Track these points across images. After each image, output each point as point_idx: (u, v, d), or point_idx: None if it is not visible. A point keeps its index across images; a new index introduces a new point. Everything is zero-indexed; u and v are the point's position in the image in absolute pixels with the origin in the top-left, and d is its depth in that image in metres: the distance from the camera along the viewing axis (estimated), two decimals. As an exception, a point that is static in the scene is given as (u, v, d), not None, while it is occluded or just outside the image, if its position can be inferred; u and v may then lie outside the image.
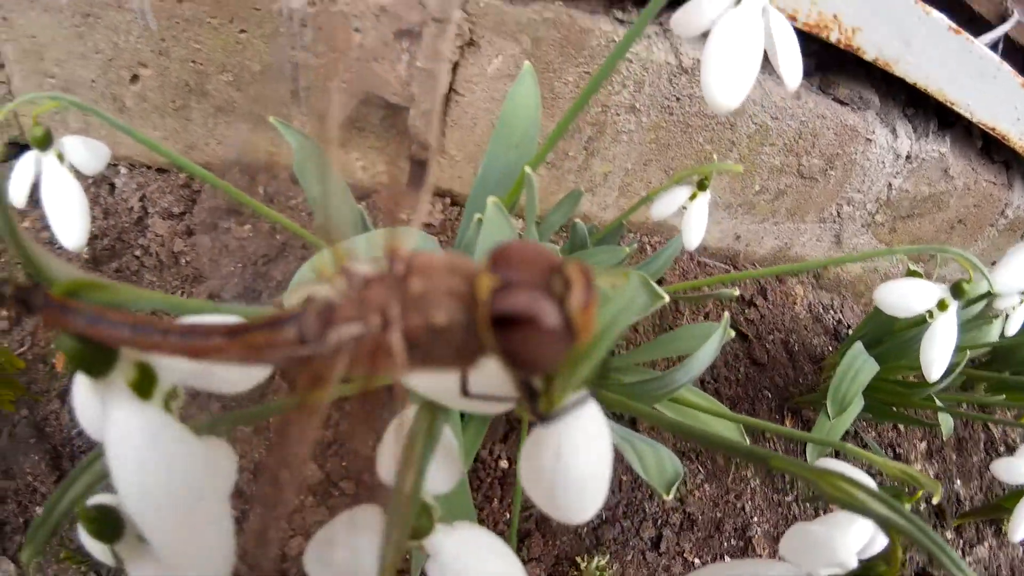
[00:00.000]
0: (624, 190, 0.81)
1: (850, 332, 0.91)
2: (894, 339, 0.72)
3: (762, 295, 0.86)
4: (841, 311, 0.94)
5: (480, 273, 0.14)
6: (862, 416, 0.74)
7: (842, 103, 0.78)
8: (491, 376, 0.17)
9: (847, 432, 0.74)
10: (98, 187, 0.82)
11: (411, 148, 0.80)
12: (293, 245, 0.75)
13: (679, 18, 0.38)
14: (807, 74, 0.75)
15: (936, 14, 0.70)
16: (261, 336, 0.16)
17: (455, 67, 0.71)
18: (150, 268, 0.76)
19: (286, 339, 0.15)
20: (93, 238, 0.80)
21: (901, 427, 0.87)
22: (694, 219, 0.55)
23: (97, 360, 0.18)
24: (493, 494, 0.64)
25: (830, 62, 0.76)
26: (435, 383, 0.20)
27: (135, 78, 0.82)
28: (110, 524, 0.22)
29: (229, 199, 0.80)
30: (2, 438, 0.71)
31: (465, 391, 0.17)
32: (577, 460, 0.20)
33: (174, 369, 0.20)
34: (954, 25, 0.71)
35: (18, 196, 0.45)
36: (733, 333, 0.58)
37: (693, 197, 0.55)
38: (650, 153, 0.78)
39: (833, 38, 0.67)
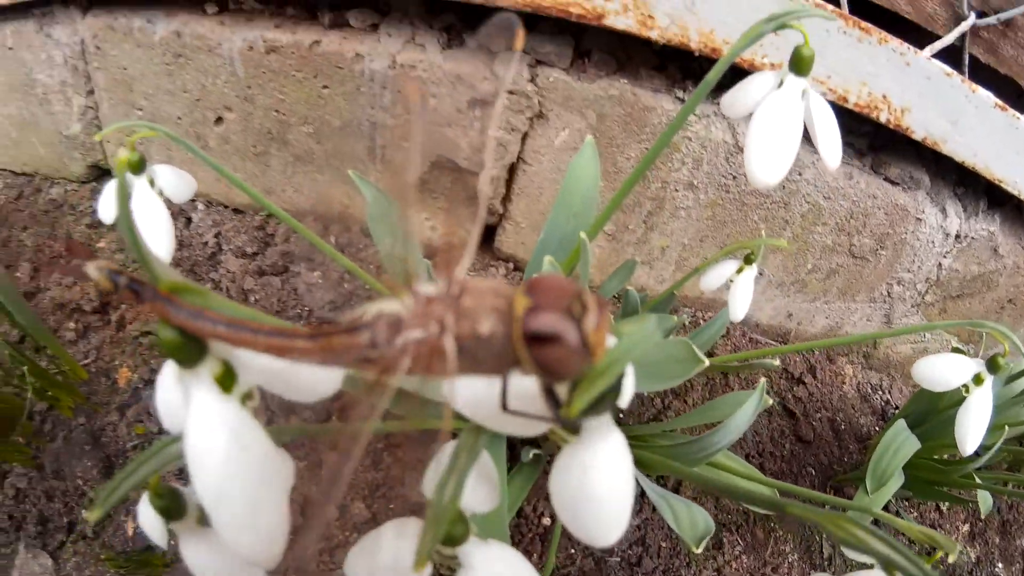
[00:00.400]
0: (681, 264, 0.83)
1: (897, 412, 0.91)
2: (937, 417, 0.72)
3: (811, 373, 0.87)
4: (889, 391, 0.94)
5: (517, 296, 0.18)
6: (903, 495, 0.74)
7: (893, 183, 0.79)
8: (526, 398, 0.21)
9: (887, 510, 0.74)
10: (175, 219, 0.87)
11: (478, 212, 0.83)
12: (359, 295, 0.79)
13: (728, 100, 0.41)
14: (860, 154, 0.77)
15: (982, 91, 0.71)
16: (339, 340, 0.19)
17: (524, 138, 0.75)
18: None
19: (360, 343, 0.19)
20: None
21: (944, 509, 0.86)
22: (740, 293, 0.57)
23: (190, 351, 0.21)
24: (533, 549, 0.66)
25: (882, 142, 0.78)
26: (480, 407, 0.23)
27: (219, 120, 0.88)
28: (175, 504, 0.25)
29: (302, 245, 0.84)
30: (57, 441, 0.76)
31: (504, 406, 0.20)
32: (600, 478, 0.22)
33: (253, 371, 0.23)
34: (1000, 102, 0.72)
35: (107, 214, 0.48)
36: (771, 401, 0.59)
37: (740, 271, 0.57)
38: (707, 229, 0.80)
39: (883, 118, 0.69)
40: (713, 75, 0.40)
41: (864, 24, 0.63)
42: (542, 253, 0.58)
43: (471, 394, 0.23)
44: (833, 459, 0.82)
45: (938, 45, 0.69)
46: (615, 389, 0.21)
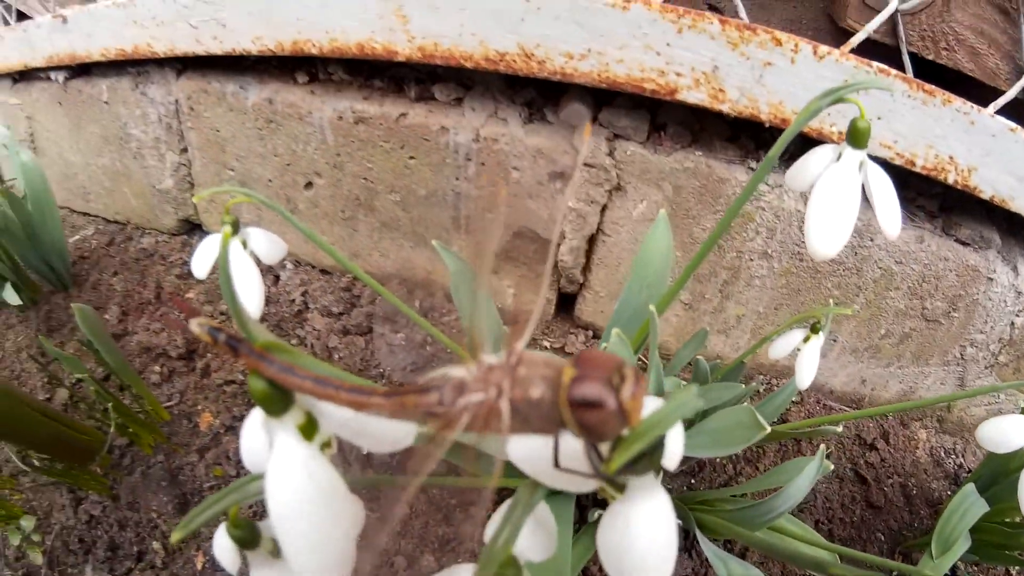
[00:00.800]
0: (756, 333, 0.85)
1: (969, 476, 0.90)
2: (1007, 479, 0.71)
3: (884, 439, 0.87)
4: (963, 455, 0.93)
5: (566, 368, 0.20)
6: (970, 559, 0.73)
7: (964, 243, 0.79)
8: (576, 458, 0.23)
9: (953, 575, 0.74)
10: (264, 276, 0.92)
11: (559, 282, 0.87)
12: (441, 357, 0.82)
13: (791, 174, 0.42)
14: (931, 216, 0.77)
15: (1046, 148, 0.70)
16: (411, 399, 0.22)
17: (603, 210, 0.77)
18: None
19: (429, 401, 0.22)
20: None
21: (1013, 573, 0.85)
22: (807, 361, 0.58)
23: (278, 402, 0.24)
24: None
25: (952, 202, 0.78)
26: (536, 464, 0.25)
27: (309, 184, 0.92)
28: (251, 534, 0.27)
29: (387, 308, 0.88)
30: (135, 475, 0.81)
31: (556, 463, 0.23)
32: (641, 533, 0.24)
33: (333, 422, 0.25)
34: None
35: (199, 269, 0.50)
36: (831, 466, 0.59)
37: (807, 340, 0.59)
38: (781, 297, 0.81)
39: (951, 180, 0.69)
40: (775, 151, 0.42)
41: (928, 87, 0.64)
42: (615, 323, 0.61)
43: (528, 451, 0.25)
44: (903, 525, 0.82)
45: (1001, 101, 0.68)
46: (656, 451, 0.23)
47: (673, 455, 0.26)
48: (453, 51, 0.71)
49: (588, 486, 0.25)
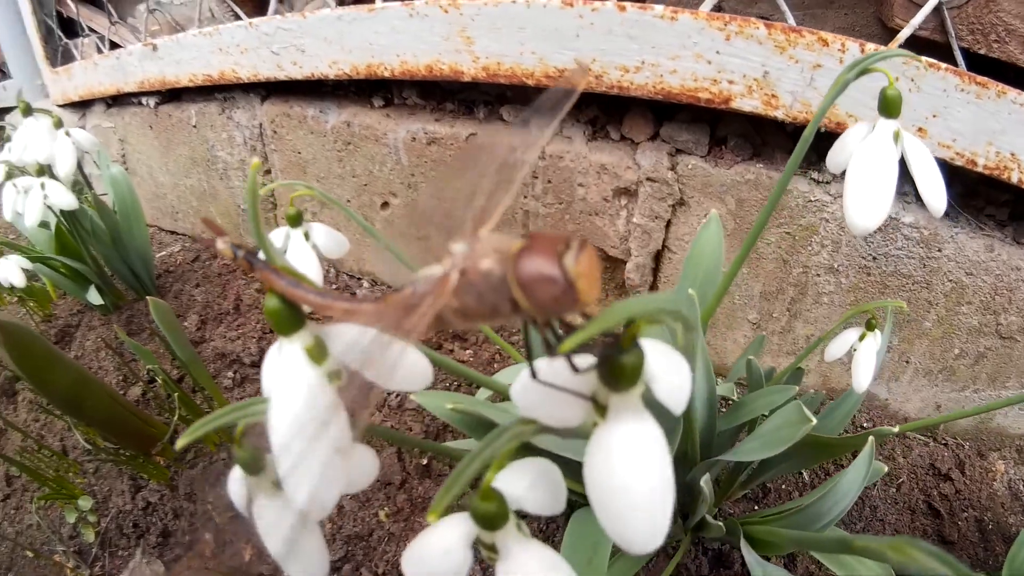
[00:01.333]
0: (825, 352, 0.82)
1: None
2: None
3: (960, 469, 0.83)
4: (1045, 490, 0.89)
5: (515, 244, 0.21)
6: None
7: None
8: (560, 377, 0.23)
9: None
10: (343, 292, 0.96)
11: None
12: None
13: (831, 157, 0.42)
14: (1000, 225, 0.74)
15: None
16: (392, 298, 0.24)
17: (668, 225, 0.78)
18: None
19: (404, 296, 0.23)
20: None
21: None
22: (863, 361, 0.56)
23: (289, 320, 0.26)
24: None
25: (1023, 211, 0.75)
26: (530, 398, 0.25)
27: (385, 204, 0.97)
28: (255, 458, 0.28)
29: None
30: (196, 469, 0.85)
31: (533, 374, 0.24)
32: (623, 463, 0.22)
33: (339, 344, 0.27)
34: None
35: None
36: (884, 468, 0.58)
37: (862, 338, 0.57)
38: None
39: (1014, 179, 0.66)
40: (809, 131, 0.42)
41: (980, 78, 0.61)
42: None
43: (523, 386, 0.25)
44: (977, 561, 0.78)
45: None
46: (632, 358, 0.22)
47: (673, 387, 0.24)
48: (515, 69, 0.74)
49: (574, 413, 0.25)
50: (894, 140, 0.38)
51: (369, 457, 0.30)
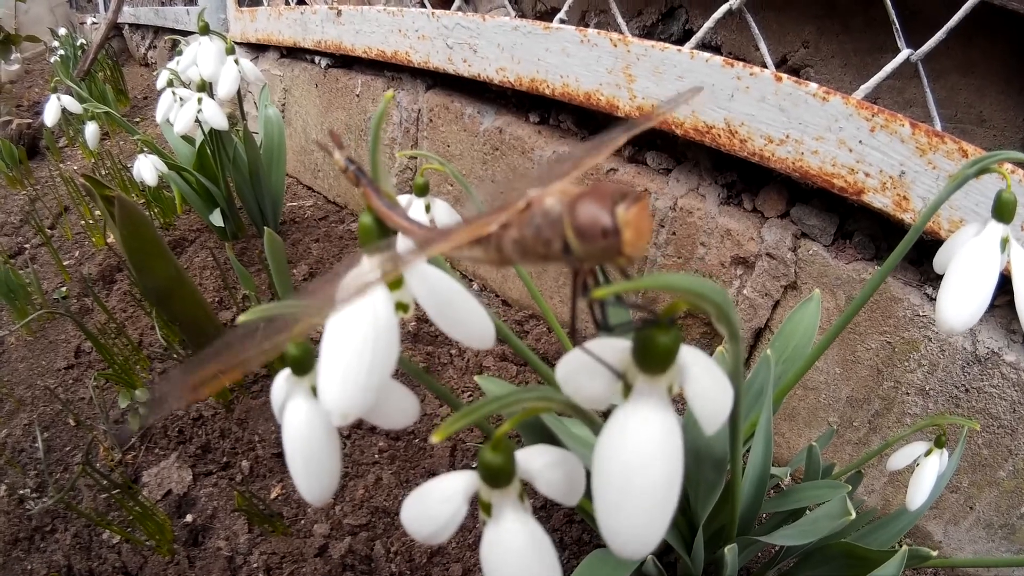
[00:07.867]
0: (893, 479, 0.83)
1: None
2: None
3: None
4: None
5: (575, 190, 0.23)
6: None
7: None
8: (602, 351, 0.24)
9: None
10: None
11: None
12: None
13: (938, 260, 0.43)
14: None
15: None
16: (477, 220, 0.25)
17: (775, 306, 0.82)
18: (456, 368, 0.98)
19: (486, 221, 0.25)
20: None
21: None
22: (924, 478, 0.57)
23: (376, 235, 0.29)
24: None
25: None
26: (582, 386, 0.26)
27: (516, 216, 1.05)
28: (305, 356, 0.30)
29: (552, 349, 1.00)
30: (259, 400, 0.93)
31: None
32: (636, 445, 0.23)
33: (415, 278, 0.28)
34: None
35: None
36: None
37: (928, 453, 0.58)
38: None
39: None
40: (912, 233, 0.43)
41: None
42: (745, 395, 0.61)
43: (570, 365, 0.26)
44: None
45: None
46: (667, 335, 0.23)
47: (708, 397, 0.24)
48: (668, 116, 0.79)
49: (604, 391, 0.25)
50: (1001, 246, 0.38)
51: (410, 399, 0.32)
